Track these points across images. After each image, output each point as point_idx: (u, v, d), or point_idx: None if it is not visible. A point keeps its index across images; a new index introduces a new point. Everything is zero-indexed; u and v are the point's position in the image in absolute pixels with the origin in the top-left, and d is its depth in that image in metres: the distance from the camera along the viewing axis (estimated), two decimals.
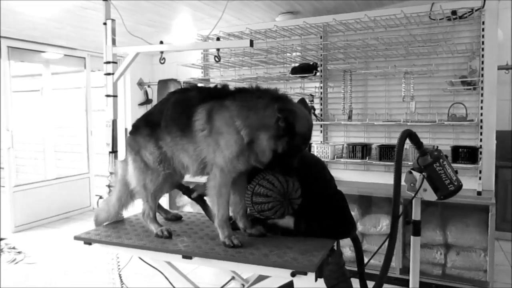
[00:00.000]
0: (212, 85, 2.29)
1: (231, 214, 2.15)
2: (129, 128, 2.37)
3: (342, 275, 2.39)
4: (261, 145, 1.89)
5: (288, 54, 4.41)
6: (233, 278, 2.62)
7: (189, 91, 2.19)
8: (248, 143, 1.90)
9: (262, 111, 1.87)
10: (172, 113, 2.12)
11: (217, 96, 2.05)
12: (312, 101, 4.22)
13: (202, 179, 2.18)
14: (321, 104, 4.28)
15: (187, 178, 2.33)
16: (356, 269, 2.42)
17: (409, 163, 3.29)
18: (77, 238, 2.25)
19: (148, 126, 2.22)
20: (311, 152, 4.07)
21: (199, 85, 4.57)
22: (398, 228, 3.55)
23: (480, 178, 3.54)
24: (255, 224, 2.17)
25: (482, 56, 3.55)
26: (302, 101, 2.03)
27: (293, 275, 1.77)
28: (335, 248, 2.23)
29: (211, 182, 2.02)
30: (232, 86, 2.17)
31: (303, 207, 2.08)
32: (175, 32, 5.55)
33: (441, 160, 1.94)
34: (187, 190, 2.47)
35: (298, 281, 1.79)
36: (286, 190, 1.98)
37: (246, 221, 2.16)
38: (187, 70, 4.97)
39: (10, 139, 5.50)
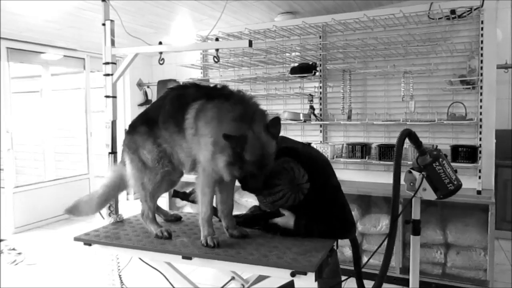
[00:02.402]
0: (211, 84, 2.29)
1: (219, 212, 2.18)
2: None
3: (338, 275, 2.40)
4: (219, 166, 1.90)
5: (287, 54, 4.41)
6: (233, 278, 2.63)
7: (188, 88, 2.19)
8: None
9: (226, 125, 1.85)
10: (170, 109, 2.13)
11: (211, 95, 2.05)
12: (312, 101, 4.22)
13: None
14: (320, 104, 4.28)
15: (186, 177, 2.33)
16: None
17: (409, 163, 3.29)
18: (77, 239, 2.25)
19: (145, 125, 2.22)
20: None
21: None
22: (398, 228, 3.56)
23: (479, 177, 3.54)
24: (239, 225, 2.19)
25: (481, 55, 3.55)
26: (273, 120, 1.93)
27: (293, 275, 1.77)
28: (335, 248, 2.23)
29: (197, 180, 2.06)
30: (231, 86, 2.17)
31: (303, 204, 2.08)
32: (174, 33, 5.56)
33: (440, 159, 1.94)
34: (184, 195, 2.50)
35: (298, 281, 1.79)
36: (294, 177, 2.01)
37: (229, 221, 2.18)
38: (187, 71, 4.97)
39: (10, 141, 5.51)
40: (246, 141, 1.82)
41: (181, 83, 4.54)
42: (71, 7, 4.25)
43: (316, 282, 1.78)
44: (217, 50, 2.87)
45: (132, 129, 2.29)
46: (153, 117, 2.19)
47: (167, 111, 2.13)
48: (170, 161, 2.17)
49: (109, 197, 2.45)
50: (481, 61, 3.55)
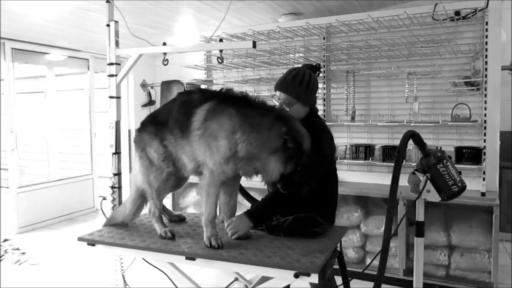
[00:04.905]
0: (217, 88, 2.31)
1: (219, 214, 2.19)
2: (133, 130, 2.40)
3: (333, 278, 2.41)
4: (267, 167, 1.93)
5: (291, 55, 4.40)
6: (236, 279, 2.62)
7: (193, 93, 2.22)
8: (245, 157, 1.93)
9: (266, 132, 1.90)
10: (176, 113, 2.16)
11: (218, 98, 2.07)
12: None
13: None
14: (324, 105, 4.27)
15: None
16: (358, 270, 2.43)
17: (413, 164, 3.28)
18: (80, 239, 2.26)
19: (154, 124, 2.27)
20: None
21: (202, 86, 4.58)
22: (402, 229, 3.55)
23: (484, 179, 3.53)
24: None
25: (486, 56, 3.54)
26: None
27: (296, 276, 1.77)
28: (338, 250, 2.23)
29: (202, 181, 2.07)
30: (235, 87, 2.19)
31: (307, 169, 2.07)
32: (178, 34, 5.56)
33: (444, 161, 1.93)
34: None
35: (301, 282, 1.79)
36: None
37: None
38: (190, 72, 4.97)
39: (14, 141, 5.53)
40: (300, 132, 1.92)
41: (185, 86, 4.53)
42: (76, 7, 4.26)
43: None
44: (221, 51, 2.88)
45: (142, 128, 2.34)
46: (162, 118, 2.23)
47: (173, 115, 2.17)
48: (173, 163, 2.20)
49: (141, 203, 2.44)
50: (486, 63, 3.54)
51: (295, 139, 1.87)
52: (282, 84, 2.27)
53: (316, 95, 2.38)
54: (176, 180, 2.32)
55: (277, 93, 2.29)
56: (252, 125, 1.92)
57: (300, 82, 2.24)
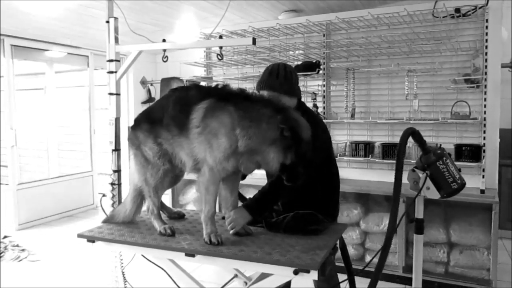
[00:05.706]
0: (213, 84, 2.30)
1: (221, 209, 2.19)
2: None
3: (336, 275, 2.41)
4: (267, 159, 1.92)
5: (291, 52, 4.40)
6: (236, 276, 2.62)
7: (190, 90, 2.21)
8: (245, 152, 1.93)
9: (264, 124, 1.90)
10: (172, 111, 2.15)
11: (217, 95, 2.06)
12: (315, 99, 4.21)
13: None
14: (324, 102, 4.27)
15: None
16: (357, 267, 2.43)
17: (412, 161, 3.28)
18: (80, 236, 2.26)
19: (148, 122, 2.25)
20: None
21: (202, 83, 4.57)
22: (401, 227, 3.55)
23: (483, 177, 3.53)
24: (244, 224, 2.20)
25: (486, 54, 3.54)
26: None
27: (296, 273, 1.77)
28: (338, 247, 2.23)
29: (200, 178, 2.06)
30: (234, 84, 2.19)
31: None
32: (178, 31, 5.56)
33: (444, 158, 1.93)
34: None
35: (301, 279, 1.79)
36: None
37: None
38: (190, 68, 4.97)
39: (14, 138, 5.53)
40: (298, 121, 1.91)
41: (185, 83, 4.53)
42: (76, 4, 4.25)
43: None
44: (220, 48, 2.87)
45: (136, 125, 2.32)
46: (156, 116, 2.22)
47: (169, 112, 2.15)
48: (170, 160, 2.19)
49: (141, 201, 2.44)
50: (486, 60, 3.54)
51: (292, 127, 1.87)
52: (261, 83, 2.28)
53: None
54: (173, 177, 2.32)
55: (260, 92, 2.29)
56: (251, 120, 1.92)
57: (277, 75, 2.25)
